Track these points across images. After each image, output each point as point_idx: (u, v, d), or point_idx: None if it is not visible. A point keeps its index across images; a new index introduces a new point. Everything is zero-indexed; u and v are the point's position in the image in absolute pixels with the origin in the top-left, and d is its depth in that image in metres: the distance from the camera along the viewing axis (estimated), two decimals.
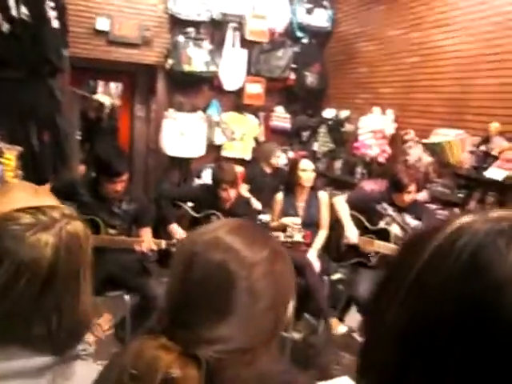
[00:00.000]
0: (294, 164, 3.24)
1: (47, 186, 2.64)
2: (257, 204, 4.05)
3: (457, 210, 3.20)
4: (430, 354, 0.36)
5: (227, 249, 0.65)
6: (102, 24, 4.49)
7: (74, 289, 0.79)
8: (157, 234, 2.80)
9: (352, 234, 3.06)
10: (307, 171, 3.19)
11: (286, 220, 3.08)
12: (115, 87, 8.28)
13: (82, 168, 5.00)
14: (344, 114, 4.57)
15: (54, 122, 3.26)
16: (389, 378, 0.39)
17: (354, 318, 3.44)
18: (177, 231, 2.87)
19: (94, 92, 8.36)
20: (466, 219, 0.39)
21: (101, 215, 2.57)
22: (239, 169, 4.78)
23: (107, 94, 8.91)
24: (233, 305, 0.63)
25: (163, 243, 2.57)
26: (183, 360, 0.59)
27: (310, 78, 4.96)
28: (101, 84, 8.53)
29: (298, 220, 3.10)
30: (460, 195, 3.22)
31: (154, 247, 2.51)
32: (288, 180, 3.28)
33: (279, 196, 3.28)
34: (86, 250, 0.82)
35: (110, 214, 2.60)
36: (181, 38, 4.52)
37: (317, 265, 3.06)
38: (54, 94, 3.25)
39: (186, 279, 0.64)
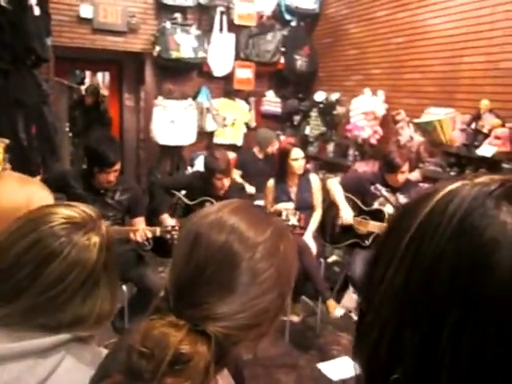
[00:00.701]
0: (285, 153, 3.23)
1: (37, 179, 2.61)
2: (250, 189, 4.05)
3: None
4: (425, 318, 0.36)
5: (231, 230, 0.66)
6: (85, 11, 4.40)
7: (107, 282, 0.84)
8: (150, 223, 2.78)
9: (347, 214, 3.09)
10: (299, 160, 3.20)
11: (279, 206, 3.09)
12: (102, 77, 8.19)
13: None
14: (335, 96, 4.55)
15: (41, 113, 3.22)
16: (383, 349, 0.39)
17: (350, 298, 3.48)
18: (167, 221, 2.85)
19: (82, 82, 8.26)
20: (455, 184, 0.39)
21: (94, 206, 2.53)
22: (231, 155, 4.77)
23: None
24: (237, 283, 0.64)
25: (158, 230, 2.56)
26: (193, 336, 0.60)
27: (300, 62, 4.92)
28: (87, 74, 8.43)
29: (291, 205, 3.12)
30: (452, 173, 3.24)
31: (149, 235, 2.49)
32: (279, 168, 3.27)
33: (270, 183, 3.29)
34: (114, 244, 0.89)
35: (103, 205, 2.57)
36: (167, 24, 4.45)
37: (313, 246, 3.09)
38: (40, 85, 3.20)
39: (191, 259, 0.65)
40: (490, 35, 3.01)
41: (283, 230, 0.73)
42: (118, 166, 2.52)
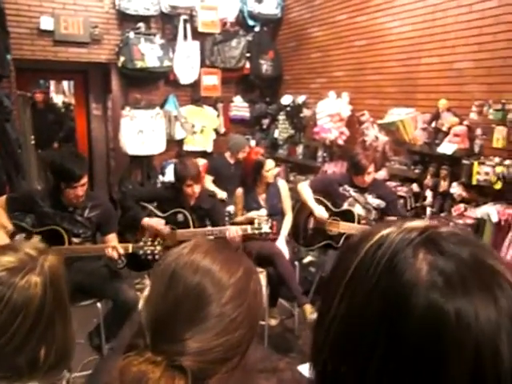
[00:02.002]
0: (259, 165, 3.23)
1: (3, 198, 2.57)
2: (222, 194, 4.09)
3: (414, 186, 3.34)
4: (358, 354, 0.42)
5: (204, 272, 0.71)
6: (46, 23, 4.32)
7: (61, 317, 0.85)
8: (123, 239, 2.77)
9: (321, 212, 3.16)
10: (271, 170, 3.26)
11: (251, 214, 3.13)
12: (68, 85, 8.08)
13: None
14: (301, 99, 4.63)
15: (4, 131, 3.15)
16: (328, 378, 0.45)
17: None
18: (152, 222, 2.86)
19: (47, 91, 8.16)
20: (385, 231, 0.45)
21: (63, 225, 2.51)
22: (202, 161, 4.78)
23: (60, 93, 8.66)
24: (210, 321, 0.68)
25: (130, 247, 2.54)
26: (170, 372, 0.63)
27: (265, 66, 4.98)
28: (52, 83, 8.28)
29: (264, 211, 3.15)
30: (416, 171, 3.36)
31: (122, 251, 2.48)
32: (252, 178, 3.27)
33: (239, 191, 3.31)
34: (64, 278, 0.89)
35: (72, 222, 2.55)
36: (131, 34, 4.42)
37: (286, 251, 3.13)
38: (2, 103, 3.14)
39: (167, 297, 0.69)
40: (443, 38, 3.13)
41: (252, 269, 0.78)
42: (84, 180, 2.49)
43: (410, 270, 0.41)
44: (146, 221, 2.90)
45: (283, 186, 3.37)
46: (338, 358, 0.43)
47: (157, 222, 2.89)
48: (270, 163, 3.26)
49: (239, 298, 0.71)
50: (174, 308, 0.68)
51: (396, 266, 0.41)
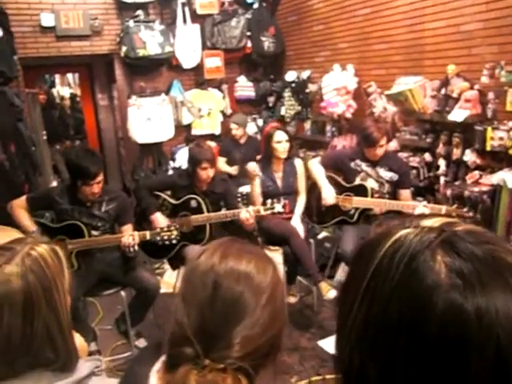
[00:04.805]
0: (268, 136, 3.24)
1: (23, 199, 2.64)
2: (232, 170, 4.13)
3: (427, 155, 3.31)
4: (381, 349, 0.43)
5: (245, 278, 0.75)
6: (47, 20, 4.32)
7: (54, 306, 0.84)
8: (140, 227, 2.83)
9: (328, 195, 3.12)
10: (282, 142, 3.20)
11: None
12: (72, 77, 8.11)
13: None
14: (305, 74, 4.57)
15: (17, 131, 3.21)
16: (354, 373, 0.46)
17: (344, 272, 3.58)
18: (159, 220, 2.91)
19: (53, 85, 8.22)
20: (401, 232, 0.46)
21: (82, 219, 2.58)
22: (212, 144, 4.80)
23: (66, 85, 8.70)
24: (254, 321, 0.72)
25: (148, 234, 2.61)
26: (235, 375, 0.67)
27: (267, 43, 4.91)
28: (57, 76, 8.31)
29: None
30: (428, 140, 3.31)
31: (138, 239, 2.54)
32: (264, 152, 3.30)
33: (251, 165, 3.31)
34: (56, 268, 0.86)
35: (91, 217, 2.62)
36: (131, 23, 4.39)
37: (301, 229, 3.15)
38: (13, 103, 3.18)
39: (214, 308, 0.72)
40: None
41: (271, 259, 0.83)
42: (100, 177, 2.54)
43: (431, 273, 0.41)
44: (156, 217, 2.91)
45: (299, 166, 3.35)
46: (362, 356, 0.45)
47: (162, 224, 2.88)
48: (279, 135, 3.21)
49: (274, 293, 0.76)
50: (224, 316, 0.71)
51: (416, 270, 0.42)
